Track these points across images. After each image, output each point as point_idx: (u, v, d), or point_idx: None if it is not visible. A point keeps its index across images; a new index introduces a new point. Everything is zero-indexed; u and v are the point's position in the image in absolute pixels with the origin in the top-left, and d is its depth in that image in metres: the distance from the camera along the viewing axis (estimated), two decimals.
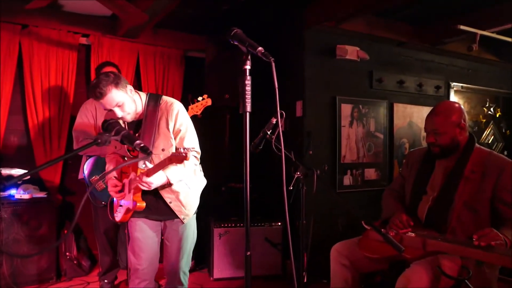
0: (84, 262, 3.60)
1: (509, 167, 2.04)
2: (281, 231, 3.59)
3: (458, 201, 2.08)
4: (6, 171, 3.17)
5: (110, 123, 1.92)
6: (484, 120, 4.84)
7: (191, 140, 2.17)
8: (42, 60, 3.67)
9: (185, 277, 2.31)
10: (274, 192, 2.96)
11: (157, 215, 2.22)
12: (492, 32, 3.56)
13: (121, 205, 2.21)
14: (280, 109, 1.49)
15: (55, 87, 3.73)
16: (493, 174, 2.05)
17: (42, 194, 3.45)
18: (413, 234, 2.07)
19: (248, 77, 1.43)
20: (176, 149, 1.83)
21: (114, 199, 2.28)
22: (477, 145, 2.18)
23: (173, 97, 2.29)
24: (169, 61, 4.29)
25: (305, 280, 2.09)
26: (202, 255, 3.67)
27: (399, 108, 4.11)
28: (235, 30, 1.47)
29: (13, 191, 3.36)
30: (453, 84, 4.51)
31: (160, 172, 2.02)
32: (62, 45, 3.75)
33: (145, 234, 2.22)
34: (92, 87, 1.98)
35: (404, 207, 2.33)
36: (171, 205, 2.16)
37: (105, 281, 3.18)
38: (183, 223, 2.22)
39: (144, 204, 2.11)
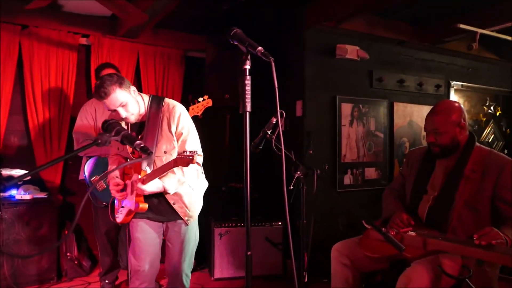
0: (84, 263, 3.60)
1: (509, 166, 2.04)
2: (281, 231, 3.59)
3: (459, 200, 2.08)
4: (6, 172, 3.17)
5: (110, 124, 1.93)
6: (484, 119, 4.84)
7: (193, 143, 2.17)
8: (42, 61, 3.67)
9: (187, 279, 2.30)
10: (275, 192, 2.96)
11: (159, 216, 2.21)
12: (492, 31, 3.56)
13: (122, 206, 2.20)
14: (280, 108, 1.49)
15: (55, 87, 3.73)
16: (493, 173, 2.05)
17: (42, 195, 3.45)
18: (413, 233, 2.07)
19: (248, 77, 1.43)
20: (182, 152, 1.84)
21: (115, 200, 2.28)
22: (477, 144, 2.18)
23: (173, 97, 2.30)
24: (169, 61, 4.29)
25: (306, 280, 2.09)
26: (203, 255, 3.67)
27: (399, 107, 4.11)
28: (235, 30, 1.47)
29: (13, 192, 3.36)
30: (453, 83, 4.51)
31: (157, 181, 2.03)
32: (62, 45, 3.75)
33: (146, 235, 2.21)
34: (96, 88, 1.99)
35: (404, 206, 2.33)
36: (175, 207, 2.16)
37: (106, 281, 3.18)
38: (187, 224, 2.21)
39: (146, 206, 2.10)
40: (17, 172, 3.21)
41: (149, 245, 2.22)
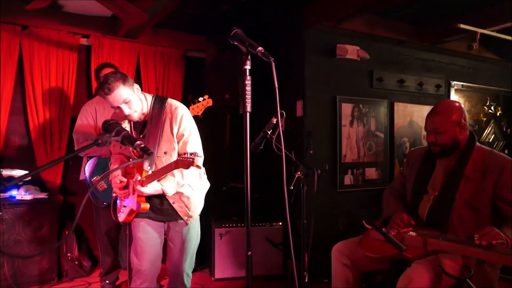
0: (85, 263, 3.60)
1: (509, 166, 2.04)
2: (282, 231, 3.59)
3: (459, 200, 2.08)
4: (7, 172, 3.17)
5: (111, 124, 1.93)
6: (485, 119, 4.84)
7: (194, 144, 2.18)
8: (43, 61, 3.67)
9: (188, 279, 2.31)
10: (275, 192, 2.96)
11: (161, 216, 2.22)
12: (493, 31, 3.56)
13: (124, 206, 2.21)
14: (280, 109, 1.49)
15: (56, 87, 3.73)
16: (494, 172, 2.05)
17: (43, 195, 3.45)
18: (414, 233, 2.07)
19: (248, 77, 1.43)
20: (183, 153, 1.84)
21: (118, 199, 2.29)
22: (477, 144, 2.18)
23: (173, 97, 2.31)
24: (169, 61, 4.29)
25: (306, 280, 2.09)
26: (203, 255, 3.67)
27: (399, 107, 4.11)
28: (235, 30, 1.47)
29: (14, 192, 3.36)
30: (453, 83, 4.51)
31: (156, 183, 2.04)
32: (63, 45, 3.75)
33: (147, 235, 2.22)
34: (100, 84, 2.01)
35: (405, 206, 2.33)
36: (175, 206, 2.17)
37: (107, 281, 3.18)
38: (187, 224, 2.22)
39: (148, 206, 2.12)
40: (18, 173, 3.21)
41: (150, 244, 2.23)
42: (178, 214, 2.19)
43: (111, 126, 1.91)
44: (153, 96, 2.23)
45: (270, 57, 1.38)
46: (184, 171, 2.08)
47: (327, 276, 2.54)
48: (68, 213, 3.80)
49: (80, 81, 3.94)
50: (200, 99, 2.97)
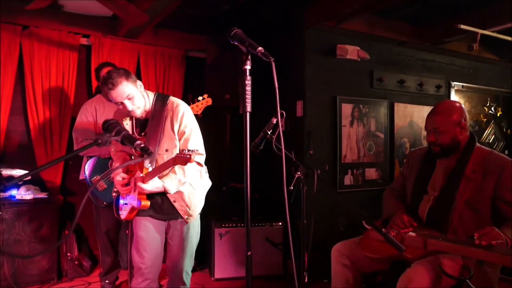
0: (85, 263, 3.60)
1: (509, 166, 2.04)
2: (281, 231, 3.59)
3: (459, 201, 2.08)
4: (7, 172, 3.17)
5: (111, 124, 1.94)
6: (485, 120, 4.84)
7: (195, 142, 2.19)
8: (43, 61, 3.67)
9: (187, 277, 2.32)
10: (275, 192, 2.96)
11: (162, 215, 2.23)
12: (493, 31, 3.55)
13: (126, 203, 2.23)
14: (280, 109, 1.49)
15: (56, 87, 3.73)
16: (494, 173, 2.05)
17: (43, 195, 3.45)
18: (414, 234, 2.07)
19: (248, 77, 1.43)
20: (181, 150, 1.85)
21: (119, 197, 2.29)
22: (477, 144, 2.18)
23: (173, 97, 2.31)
24: (170, 61, 4.29)
25: (306, 280, 2.09)
26: (203, 255, 3.67)
27: (399, 107, 4.11)
28: (235, 30, 1.47)
29: (14, 192, 3.36)
30: (453, 83, 4.51)
31: (157, 181, 2.05)
32: (63, 45, 3.75)
33: (149, 233, 2.23)
34: (103, 80, 2.03)
35: (405, 206, 2.33)
36: (175, 204, 2.18)
37: (106, 281, 3.18)
38: (187, 223, 2.23)
39: (148, 203, 2.13)
40: (18, 172, 3.21)
41: (151, 243, 2.24)
42: (178, 212, 2.19)
43: (111, 126, 1.92)
44: (155, 94, 2.25)
45: (270, 57, 1.38)
46: (186, 169, 2.09)
47: (327, 276, 2.54)
48: (68, 212, 3.80)
49: (80, 80, 3.94)
50: (200, 98, 2.97)
